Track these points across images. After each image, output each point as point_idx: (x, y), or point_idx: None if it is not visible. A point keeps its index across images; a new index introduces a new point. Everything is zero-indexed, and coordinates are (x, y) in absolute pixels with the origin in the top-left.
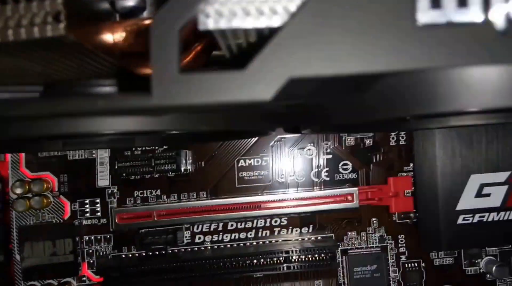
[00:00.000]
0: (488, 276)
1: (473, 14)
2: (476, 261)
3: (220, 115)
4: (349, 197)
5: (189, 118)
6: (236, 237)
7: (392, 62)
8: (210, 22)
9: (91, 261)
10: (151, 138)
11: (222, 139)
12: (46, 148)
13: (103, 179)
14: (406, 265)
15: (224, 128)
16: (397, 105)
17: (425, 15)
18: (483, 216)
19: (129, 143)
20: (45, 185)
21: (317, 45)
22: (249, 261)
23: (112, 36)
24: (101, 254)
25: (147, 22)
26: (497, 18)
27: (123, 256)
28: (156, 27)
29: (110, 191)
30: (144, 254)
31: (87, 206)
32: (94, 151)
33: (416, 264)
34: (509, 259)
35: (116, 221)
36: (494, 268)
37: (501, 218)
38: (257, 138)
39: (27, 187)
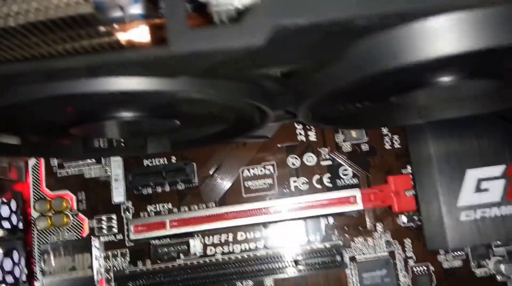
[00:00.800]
0: (498, 277)
1: None
2: (485, 262)
3: (225, 84)
4: (352, 200)
5: (198, 82)
6: (247, 248)
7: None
8: None
9: (109, 277)
10: (161, 142)
11: (222, 138)
12: (67, 154)
13: (118, 196)
14: (415, 269)
15: (229, 97)
16: (371, 63)
17: None
18: (485, 212)
19: (141, 150)
20: (64, 204)
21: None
22: (258, 267)
23: None
24: (117, 269)
25: None
26: None
27: (138, 270)
28: None
29: (125, 206)
30: (158, 267)
31: (104, 222)
32: (108, 169)
33: (425, 268)
34: None
35: (132, 231)
36: (503, 266)
37: (503, 213)
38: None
39: (48, 206)
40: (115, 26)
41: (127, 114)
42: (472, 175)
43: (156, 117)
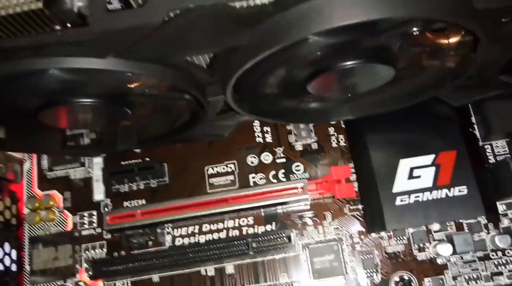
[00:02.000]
0: (438, 260)
1: None
2: (425, 246)
3: (155, 67)
4: (300, 189)
5: (128, 63)
6: (211, 238)
7: None
8: None
9: (87, 266)
10: (129, 140)
11: (179, 132)
12: (46, 149)
13: (98, 194)
14: (361, 254)
15: (159, 77)
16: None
17: None
18: (418, 196)
19: (112, 146)
20: (51, 202)
21: None
22: (219, 252)
23: None
24: (95, 259)
25: None
26: None
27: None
28: None
29: (104, 203)
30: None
31: (85, 218)
32: (91, 170)
33: (370, 253)
34: (451, 237)
35: (107, 222)
36: (439, 247)
37: (434, 197)
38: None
39: (37, 203)
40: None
41: (82, 99)
42: (405, 164)
43: (108, 104)
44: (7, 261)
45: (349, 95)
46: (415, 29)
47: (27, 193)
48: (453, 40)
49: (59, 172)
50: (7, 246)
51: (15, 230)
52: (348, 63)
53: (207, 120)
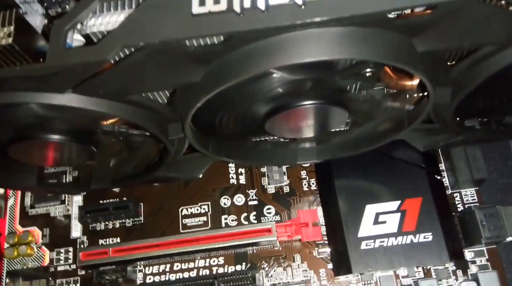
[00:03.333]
0: None
1: None
2: None
3: (114, 104)
4: (268, 231)
5: (87, 100)
6: (181, 277)
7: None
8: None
9: None
10: (102, 179)
11: (148, 172)
12: (22, 185)
13: (75, 231)
14: None
15: (114, 113)
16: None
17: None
18: (383, 241)
19: (86, 186)
20: (30, 237)
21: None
22: None
23: None
24: None
25: None
26: None
27: None
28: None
29: (81, 240)
30: None
31: (62, 254)
32: (70, 209)
33: None
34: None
35: (80, 258)
36: None
37: (399, 243)
38: (196, 189)
39: (16, 239)
40: None
41: (48, 136)
42: (371, 209)
43: (74, 141)
44: None
45: (311, 136)
46: (368, 70)
47: (8, 228)
48: (416, 81)
49: (40, 209)
50: None
51: None
52: (302, 103)
53: (173, 160)
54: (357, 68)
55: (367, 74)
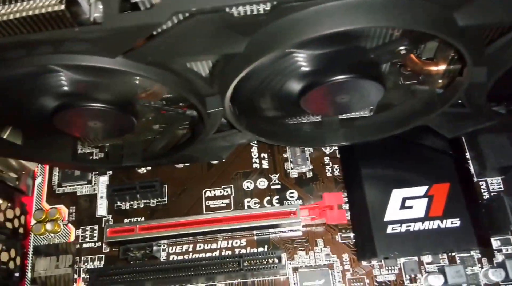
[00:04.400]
0: None
1: None
2: (416, 276)
3: (159, 71)
4: (293, 213)
5: (134, 64)
6: (200, 258)
7: None
8: None
9: (85, 276)
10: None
11: (181, 149)
12: (58, 159)
13: (101, 210)
14: (352, 281)
15: (162, 81)
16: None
17: None
18: (410, 226)
19: (118, 162)
20: (57, 214)
21: None
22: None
23: None
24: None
25: None
26: None
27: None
28: None
29: (106, 219)
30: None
31: (87, 232)
32: (96, 188)
33: (360, 281)
34: (443, 269)
35: (107, 234)
36: (430, 278)
37: (426, 228)
38: (219, 173)
39: (44, 215)
40: None
41: (93, 104)
42: (398, 194)
43: (117, 110)
44: (11, 265)
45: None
46: (402, 48)
47: (36, 206)
48: (442, 67)
49: (67, 188)
50: (13, 252)
51: (22, 239)
52: (339, 77)
53: (206, 136)
54: (394, 44)
55: (402, 52)
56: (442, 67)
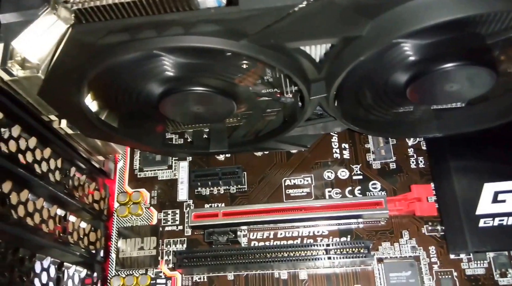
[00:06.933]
0: None
1: None
2: (508, 271)
3: (275, 54)
4: (378, 204)
5: (256, 47)
6: (285, 244)
7: None
8: None
9: (168, 259)
10: (220, 143)
11: (270, 136)
12: (149, 143)
13: (182, 195)
14: (439, 274)
15: (278, 64)
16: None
17: None
18: (503, 220)
19: (204, 148)
20: (140, 198)
21: None
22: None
23: None
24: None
25: None
26: None
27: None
28: None
29: (187, 203)
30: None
31: (169, 215)
32: (177, 173)
33: (448, 274)
34: None
35: (192, 218)
36: None
37: None
38: (299, 162)
39: (127, 198)
40: None
41: (198, 88)
42: (489, 188)
43: (221, 94)
44: (98, 245)
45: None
46: None
47: (118, 189)
48: None
49: (148, 172)
50: (99, 233)
51: (106, 220)
52: (450, 65)
53: (301, 121)
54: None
55: None
56: None
